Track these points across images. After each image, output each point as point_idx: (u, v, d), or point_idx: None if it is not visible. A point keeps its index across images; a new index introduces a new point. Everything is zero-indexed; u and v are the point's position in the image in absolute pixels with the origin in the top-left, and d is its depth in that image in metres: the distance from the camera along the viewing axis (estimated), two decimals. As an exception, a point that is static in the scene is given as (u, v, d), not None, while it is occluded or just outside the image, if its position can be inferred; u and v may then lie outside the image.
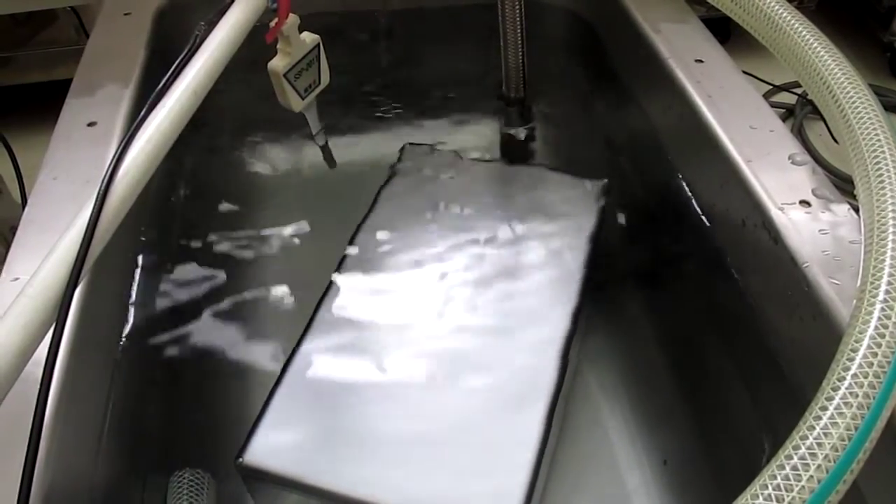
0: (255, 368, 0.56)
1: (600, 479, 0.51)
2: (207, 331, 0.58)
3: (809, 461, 0.25)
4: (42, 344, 0.31)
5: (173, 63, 0.39)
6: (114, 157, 0.34)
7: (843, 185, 0.85)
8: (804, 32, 0.42)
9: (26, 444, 0.29)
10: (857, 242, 0.44)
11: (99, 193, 0.33)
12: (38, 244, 0.46)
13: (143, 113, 0.36)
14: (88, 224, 0.32)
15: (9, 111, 1.07)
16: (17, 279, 0.43)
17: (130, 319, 0.54)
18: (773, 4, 0.44)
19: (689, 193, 0.60)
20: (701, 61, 0.62)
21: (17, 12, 1.09)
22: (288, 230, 0.67)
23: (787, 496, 0.24)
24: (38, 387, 0.29)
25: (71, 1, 1.06)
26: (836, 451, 0.25)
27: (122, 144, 0.35)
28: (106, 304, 0.50)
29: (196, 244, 0.65)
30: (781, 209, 0.48)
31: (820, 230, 0.46)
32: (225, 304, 0.60)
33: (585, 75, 0.81)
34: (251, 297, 0.61)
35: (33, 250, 0.46)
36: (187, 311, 0.59)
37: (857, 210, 0.39)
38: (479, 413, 0.45)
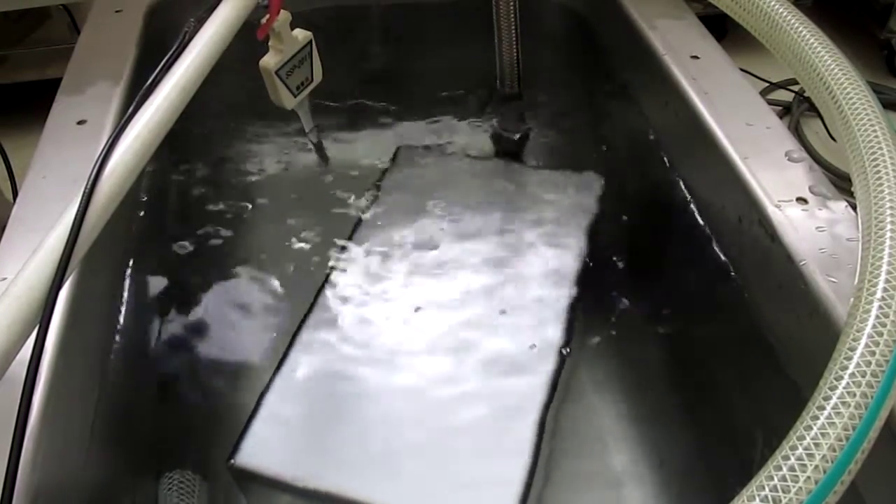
0: (248, 369, 0.55)
1: (596, 481, 0.50)
2: (199, 331, 0.58)
3: (807, 462, 0.25)
4: (28, 344, 0.30)
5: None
6: (100, 154, 0.34)
7: (841, 183, 0.84)
8: (801, 29, 0.42)
9: (10, 445, 0.28)
10: (855, 240, 0.44)
11: (85, 191, 0.32)
12: (27, 243, 0.45)
13: (130, 110, 0.36)
14: (74, 222, 0.32)
15: (1, 110, 1.06)
16: (4, 279, 0.43)
17: (121, 320, 0.53)
18: (770, 1, 0.43)
19: (685, 190, 0.60)
20: (697, 57, 0.61)
21: (9, 10, 1.08)
22: (282, 230, 0.66)
23: (784, 497, 0.24)
24: (22, 387, 0.29)
25: (63, -2, 1.05)
26: (834, 451, 0.25)
27: (109, 142, 0.34)
28: (95, 305, 0.50)
29: (188, 243, 0.64)
30: (778, 206, 0.47)
31: (817, 227, 0.46)
32: (217, 304, 0.59)
33: (580, 71, 0.80)
34: (244, 298, 0.60)
35: (21, 250, 0.45)
36: (179, 311, 0.59)
37: (854, 207, 0.39)
38: (473, 413, 0.45)
